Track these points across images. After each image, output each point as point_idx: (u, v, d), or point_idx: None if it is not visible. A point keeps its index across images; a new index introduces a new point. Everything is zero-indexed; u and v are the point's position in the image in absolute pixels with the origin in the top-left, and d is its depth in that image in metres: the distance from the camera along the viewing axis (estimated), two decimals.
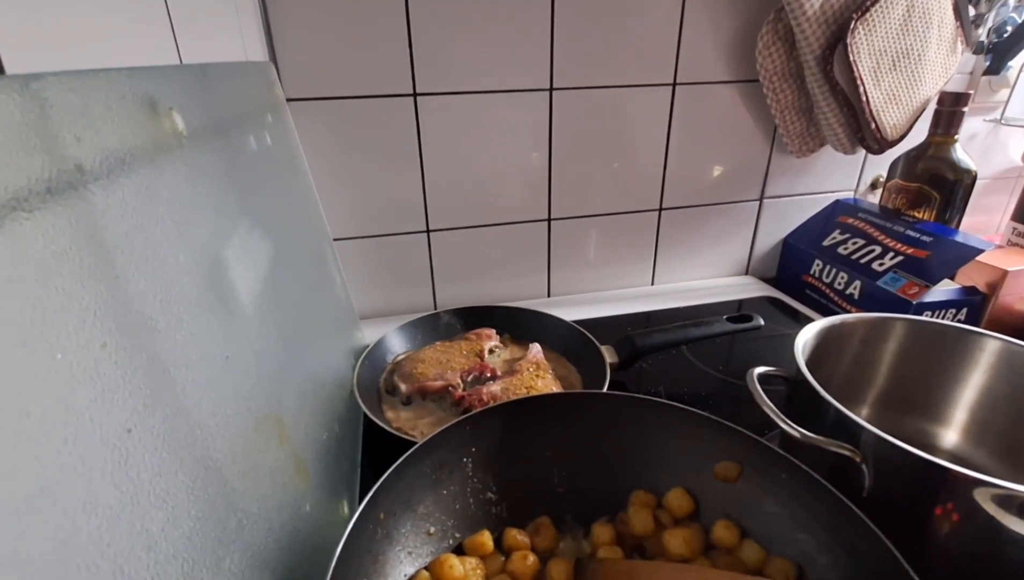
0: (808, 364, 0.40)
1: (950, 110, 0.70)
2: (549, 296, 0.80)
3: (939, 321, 0.44)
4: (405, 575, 0.33)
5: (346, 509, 0.41)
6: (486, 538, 0.36)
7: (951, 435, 0.45)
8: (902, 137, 0.73)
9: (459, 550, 0.36)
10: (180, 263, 0.25)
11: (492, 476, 0.39)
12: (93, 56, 0.22)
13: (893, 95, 0.70)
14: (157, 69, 0.25)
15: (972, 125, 0.87)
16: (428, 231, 0.71)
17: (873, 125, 0.69)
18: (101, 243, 0.20)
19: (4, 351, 0.14)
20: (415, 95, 0.63)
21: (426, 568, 0.34)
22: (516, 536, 0.37)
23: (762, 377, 0.41)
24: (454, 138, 0.66)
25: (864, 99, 0.68)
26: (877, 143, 0.72)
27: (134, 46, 0.26)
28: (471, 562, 0.35)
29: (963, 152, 0.72)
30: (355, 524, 0.29)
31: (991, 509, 0.29)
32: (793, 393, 0.42)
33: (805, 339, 0.44)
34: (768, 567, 0.34)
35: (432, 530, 0.36)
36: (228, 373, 0.27)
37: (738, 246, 0.86)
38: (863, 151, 0.78)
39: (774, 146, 0.79)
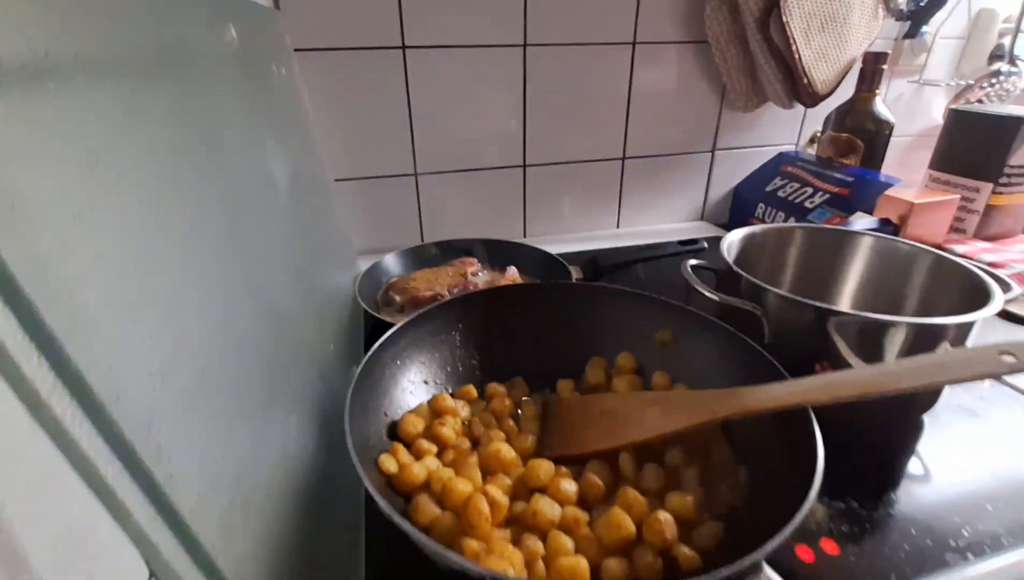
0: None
1: (872, 68, 0.80)
2: (525, 237, 0.89)
3: (828, 226, 0.55)
4: (408, 405, 0.42)
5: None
6: (471, 389, 0.45)
7: None
8: (831, 92, 0.84)
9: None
10: (238, 148, 0.33)
11: (475, 346, 0.48)
12: None
13: (822, 54, 0.80)
14: None
15: (898, 86, 0.98)
16: (416, 174, 0.79)
17: (805, 80, 0.80)
18: (201, 109, 0.28)
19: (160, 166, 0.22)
20: (404, 48, 0.71)
21: (426, 403, 0.43)
22: (496, 387, 0.46)
23: (695, 268, 0.51)
24: (439, 88, 0.74)
25: (797, 57, 0.77)
26: (810, 97, 0.82)
27: None
28: (461, 401, 0.44)
29: (883, 106, 0.82)
30: (367, 361, 0.38)
31: (836, 336, 0.39)
32: (719, 279, 0.52)
33: (731, 241, 0.53)
34: None
35: (428, 380, 0.45)
36: (270, 238, 0.36)
37: (694, 194, 0.96)
38: (801, 108, 0.88)
39: (723, 102, 0.88)
